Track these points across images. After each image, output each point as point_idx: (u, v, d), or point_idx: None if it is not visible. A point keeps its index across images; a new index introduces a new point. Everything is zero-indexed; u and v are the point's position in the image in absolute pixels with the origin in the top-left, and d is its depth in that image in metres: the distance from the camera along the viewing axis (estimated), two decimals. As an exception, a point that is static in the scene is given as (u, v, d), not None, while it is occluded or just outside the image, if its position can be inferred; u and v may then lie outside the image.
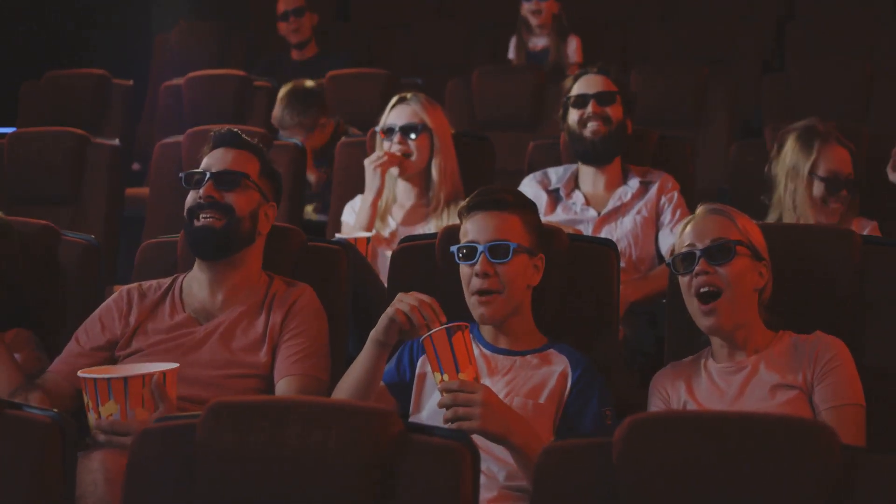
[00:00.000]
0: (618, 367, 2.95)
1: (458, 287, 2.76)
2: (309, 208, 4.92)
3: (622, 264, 3.57)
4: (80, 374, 2.53)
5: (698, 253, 2.66)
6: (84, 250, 3.18)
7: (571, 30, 6.45)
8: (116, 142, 4.46)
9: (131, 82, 5.91)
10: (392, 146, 3.96)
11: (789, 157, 3.73)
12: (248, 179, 2.88)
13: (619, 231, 3.88)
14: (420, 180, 3.99)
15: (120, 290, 2.98)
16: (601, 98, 3.95)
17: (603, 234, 3.85)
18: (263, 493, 1.96)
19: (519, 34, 6.54)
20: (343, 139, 4.69)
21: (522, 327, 2.78)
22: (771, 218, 3.76)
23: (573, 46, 6.38)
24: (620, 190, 3.95)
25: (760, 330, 2.71)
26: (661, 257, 3.87)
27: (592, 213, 3.94)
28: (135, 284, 2.98)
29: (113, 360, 2.86)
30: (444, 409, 2.45)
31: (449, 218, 3.83)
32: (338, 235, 4.02)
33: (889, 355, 2.78)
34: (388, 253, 3.77)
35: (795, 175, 3.71)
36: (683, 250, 2.69)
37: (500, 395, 2.56)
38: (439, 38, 7.18)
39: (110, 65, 6.12)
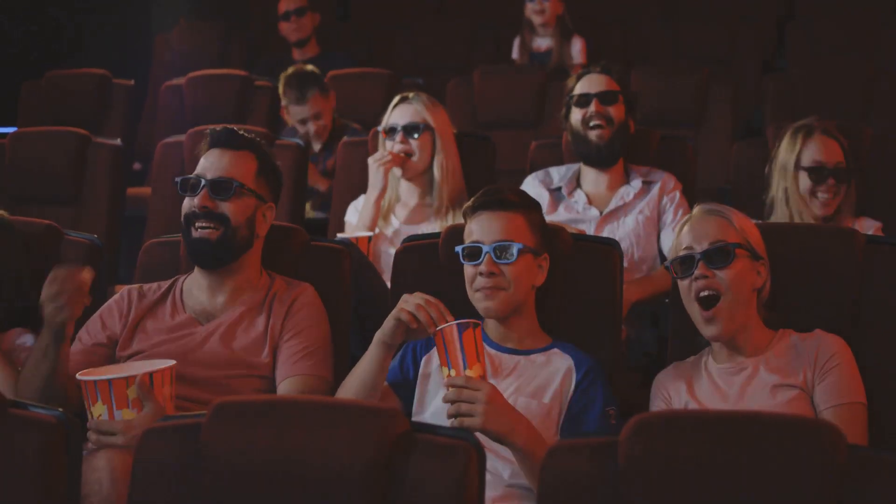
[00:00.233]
0: (620, 366, 2.95)
1: (462, 287, 2.76)
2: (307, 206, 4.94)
3: (624, 264, 3.56)
4: (77, 376, 2.54)
5: (697, 256, 2.65)
6: (87, 250, 3.18)
7: (575, 31, 6.45)
8: (118, 141, 4.46)
9: (132, 82, 5.91)
10: (394, 146, 3.96)
11: (780, 154, 3.75)
12: (244, 187, 2.87)
13: (622, 231, 3.88)
14: (423, 180, 4.00)
15: (121, 291, 2.99)
16: (604, 97, 3.96)
17: (605, 234, 3.85)
18: (268, 492, 1.95)
19: (522, 35, 6.54)
20: (345, 139, 4.70)
21: (526, 327, 2.78)
22: (767, 218, 3.77)
23: (577, 47, 6.38)
24: (623, 189, 3.95)
25: (760, 329, 2.71)
26: (663, 257, 3.87)
27: (594, 212, 3.94)
28: (136, 286, 2.98)
29: (114, 359, 2.87)
30: (447, 413, 2.45)
31: (453, 220, 3.83)
32: (339, 235, 4.02)
33: (893, 355, 2.78)
34: (392, 251, 3.78)
35: (784, 172, 3.73)
36: (681, 253, 2.68)
37: (505, 395, 2.56)
38: (440, 38, 7.18)
39: (110, 65, 6.11)
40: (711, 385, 2.68)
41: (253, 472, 1.96)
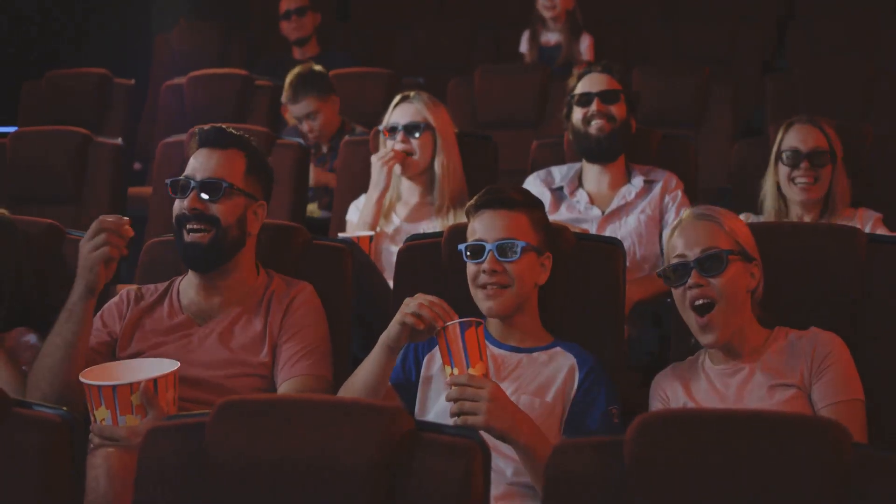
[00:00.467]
0: (622, 366, 2.95)
1: (464, 286, 2.76)
2: (312, 206, 4.94)
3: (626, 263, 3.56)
4: (81, 377, 2.54)
5: (690, 265, 2.65)
6: (88, 249, 3.16)
7: (585, 28, 6.46)
8: (119, 141, 4.46)
9: (133, 82, 5.91)
10: (395, 145, 3.97)
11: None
12: (233, 187, 2.86)
13: (623, 230, 3.88)
14: (424, 179, 4.00)
15: (120, 293, 2.99)
16: (605, 96, 3.96)
17: (607, 234, 3.85)
18: (273, 491, 1.95)
19: (533, 28, 6.55)
20: (346, 138, 4.69)
21: (529, 325, 2.78)
22: (759, 214, 3.81)
23: (586, 44, 6.39)
24: (624, 188, 3.95)
25: (755, 329, 2.71)
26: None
27: (596, 211, 3.93)
28: (134, 287, 2.98)
29: (115, 358, 2.86)
30: (450, 411, 2.45)
31: (454, 219, 3.83)
32: (341, 234, 4.02)
33: (895, 354, 2.78)
34: (393, 248, 3.78)
35: (770, 166, 3.79)
36: (674, 261, 2.68)
37: (507, 393, 2.56)
38: (440, 38, 7.18)
39: (110, 64, 6.11)
40: (709, 386, 2.68)
41: (257, 472, 1.95)
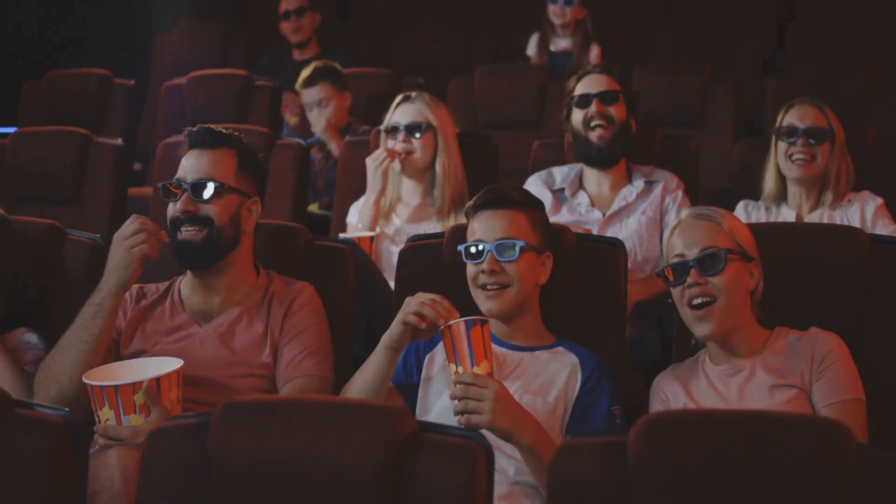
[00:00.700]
0: (624, 366, 2.94)
1: (466, 287, 2.76)
2: (312, 206, 4.94)
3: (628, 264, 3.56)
4: (84, 378, 2.53)
5: (689, 264, 2.65)
6: (90, 250, 3.16)
7: (594, 37, 6.46)
8: (119, 141, 4.45)
9: (133, 82, 5.90)
10: (396, 145, 3.97)
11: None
12: (224, 187, 2.86)
13: (624, 232, 3.88)
14: (424, 179, 4.00)
15: (122, 293, 2.98)
16: (604, 97, 3.95)
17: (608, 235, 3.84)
18: (276, 492, 1.95)
19: (544, 32, 6.54)
20: (347, 137, 4.70)
21: (531, 325, 2.78)
22: (763, 207, 3.84)
23: (594, 53, 6.39)
24: (625, 190, 3.95)
25: (755, 329, 2.71)
26: (666, 257, 3.87)
27: (597, 214, 3.93)
28: (136, 286, 2.98)
29: (120, 356, 2.87)
30: (452, 412, 2.45)
31: (455, 220, 3.83)
32: (342, 235, 4.02)
33: (899, 354, 2.78)
34: (394, 249, 3.78)
35: (771, 147, 3.84)
36: (673, 261, 2.68)
37: (509, 391, 2.55)
38: (440, 38, 7.17)
39: (110, 65, 6.10)
40: (710, 387, 2.67)
41: (261, 472, 1.95)
